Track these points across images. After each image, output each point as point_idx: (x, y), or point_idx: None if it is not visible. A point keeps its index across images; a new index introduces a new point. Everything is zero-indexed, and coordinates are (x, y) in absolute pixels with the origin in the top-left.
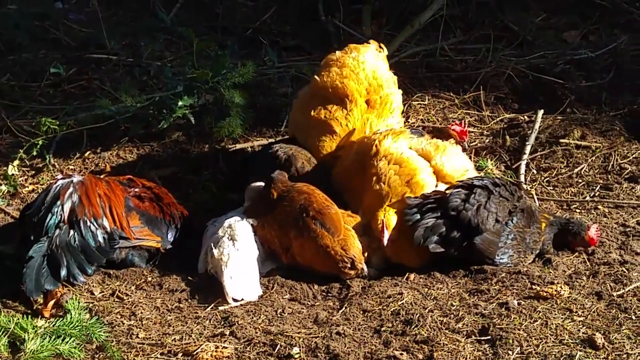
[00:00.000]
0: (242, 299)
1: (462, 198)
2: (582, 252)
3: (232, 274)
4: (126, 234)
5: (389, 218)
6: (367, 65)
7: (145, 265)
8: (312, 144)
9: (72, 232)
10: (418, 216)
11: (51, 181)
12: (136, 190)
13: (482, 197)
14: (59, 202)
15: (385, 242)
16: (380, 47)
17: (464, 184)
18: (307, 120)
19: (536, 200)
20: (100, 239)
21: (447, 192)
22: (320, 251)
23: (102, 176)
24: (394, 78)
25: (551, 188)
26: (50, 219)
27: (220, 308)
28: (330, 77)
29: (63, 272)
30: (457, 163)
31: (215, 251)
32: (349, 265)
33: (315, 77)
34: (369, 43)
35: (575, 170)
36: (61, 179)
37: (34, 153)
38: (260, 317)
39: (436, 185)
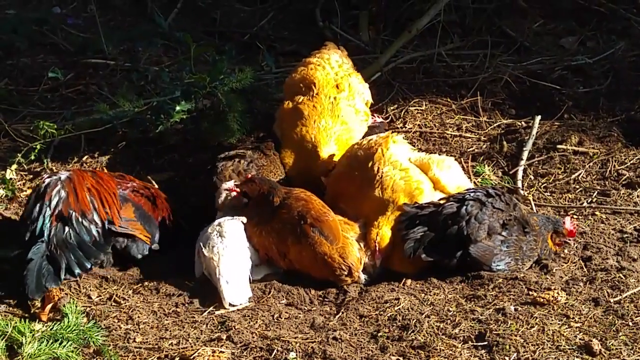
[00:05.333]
0: (240, 304)
1: (453, 211)
2: (579, 258)
3: (228, 279)
4: (113, 219)
5: (383, 235)
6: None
7: (140, 256)
8: (283, 134)
9: (66, 229)
10: (411, 227)
11: (39, 180)
12: (134, 184)
13: (474, 208)
14: (47, 202)
15: (378, 263)
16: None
17: (457, 197)
18: (280, 113)
19: (533, 207)
20: (95, 233)
21: (441, 202)
22: (318, 258)
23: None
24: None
25: (548, 194)
26: (43, 220)
27: (217, 312)
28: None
29: (63, 272)
30: (453, 176)
31: (205, 250)
32: (346, 273)
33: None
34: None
35: (573, 176)
36: (48, 177)
37: (32, 157)
38: (257, 321)
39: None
